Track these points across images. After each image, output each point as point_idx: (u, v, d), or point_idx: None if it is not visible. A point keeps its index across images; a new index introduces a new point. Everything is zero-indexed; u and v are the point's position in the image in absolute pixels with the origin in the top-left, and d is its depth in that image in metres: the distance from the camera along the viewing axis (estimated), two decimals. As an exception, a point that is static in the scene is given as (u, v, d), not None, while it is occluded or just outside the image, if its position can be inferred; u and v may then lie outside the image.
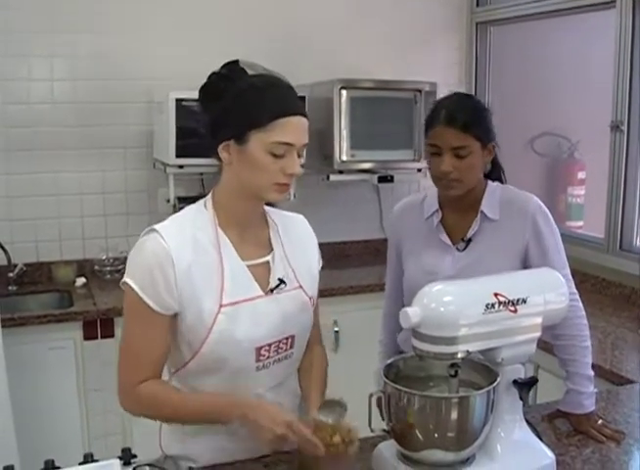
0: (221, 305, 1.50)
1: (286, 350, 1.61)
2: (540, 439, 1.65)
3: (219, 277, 1.52)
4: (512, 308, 1.47)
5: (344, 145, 3.50)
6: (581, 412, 1.81)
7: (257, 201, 1.59)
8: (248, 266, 1.57)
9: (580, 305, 1.86)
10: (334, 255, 3.96)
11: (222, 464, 1.62)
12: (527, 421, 1.60)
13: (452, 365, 1.49)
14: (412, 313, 1.41)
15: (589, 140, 4.00)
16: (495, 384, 1.46)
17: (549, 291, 1.55)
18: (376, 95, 3.57)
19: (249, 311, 1.53)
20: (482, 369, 1.54)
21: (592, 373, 1.84)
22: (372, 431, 1.52)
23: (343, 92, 3.50)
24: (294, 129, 1.50)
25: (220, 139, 1.53)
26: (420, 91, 3.64)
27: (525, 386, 1.53)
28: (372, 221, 4.18)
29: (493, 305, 1.44)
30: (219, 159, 1.55)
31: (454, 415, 1.43)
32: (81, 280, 3.47)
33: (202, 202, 1.61)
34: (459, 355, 1.44)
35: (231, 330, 1.51)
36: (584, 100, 3.93)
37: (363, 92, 3.53)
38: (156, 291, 1.48)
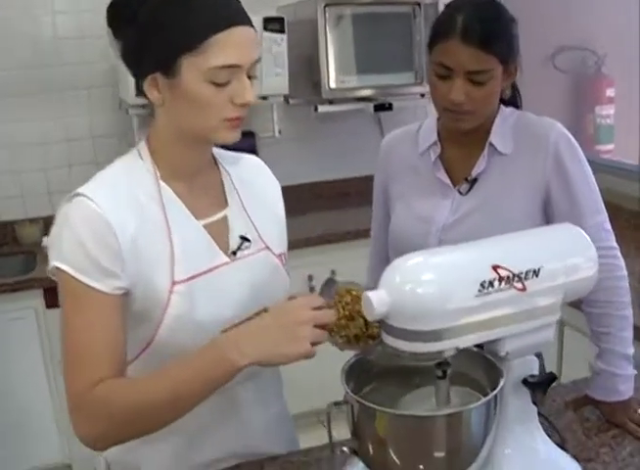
0: (174, 283, 1.18)
1: None
2: (563, 443, 1.27)
3: (167, 245, 1.19)
4: (519, 285, 1.07)
5: (332, 71, 3.06)
6: (616, 400, 1.43)
7: (204, 145, 1.27)
8: (204, 226, 1.25)
9: (621, 262, 1.46)
10: (331, 194, 3.59)
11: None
12: (544, 416, 1.22)
13: (439, 364, 1.10)
14: (377, 301, 1.01)
15: (617, 53, 3.70)
16: (497, 390, 1.07)
17: (570, 256, 1.14)
18: (366, 11, 3.14)
19: (209, 286, 1.21)
20: (482, 361, 1.15)
21: (632, 351, 1.45)
22: (332, 452, 1.15)
23: (328, 10, 3.05)
24: (236, 45, 1.14)
25: (143, 73, 1.18)
26: (419, 4, 3.20)
27: (540, 386, 1.14)
28: (373, 155, 3.76)
29: (492, 283, 1.04)
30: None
31: (441, 436, 1.05)
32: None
33: (134, 151, 1.26)
34: (445, 355, 1.05)
35: (189, 312, 1.19)
36: (611, 7, 3.61)
37: (352, 9, 3.11)
38: (96, 267, 1.14)
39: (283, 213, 1.40)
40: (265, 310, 1.14)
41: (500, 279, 1.05)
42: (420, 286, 1.01)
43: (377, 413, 1.06)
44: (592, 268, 1.15)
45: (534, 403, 1.15)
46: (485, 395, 1.14)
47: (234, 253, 1.26)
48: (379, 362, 1.18)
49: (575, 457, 1.24)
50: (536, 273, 1.08)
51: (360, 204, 3.54)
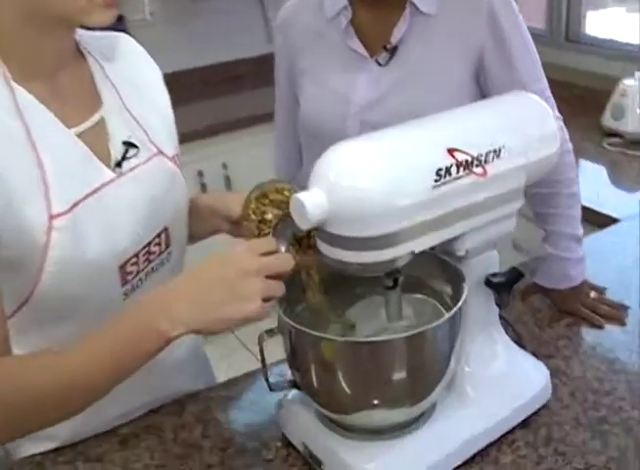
0: (52, 216, 0.91)
1: (160, 252, 1.07)
2: (520, 340, 1.16)
3: (35, 167, 0.91)
4: (479, 170, 0.90)
5: None
6: (568, 286, 1.32)
7: (66, 29, 0.98)
8: (77, 136, 0.97)
9: (566, 134, 1.32)
10: (218, 80, 3.31)
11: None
12: (501, 317, 1.09)
13: (389, 273, 0.93)
14: (311, 204, 0.82)
15: None
16: (463, 298, 0.91)
17: (532, 129, 0.98)
18: None
19: (96, 212, 0.96)
20: (435, 263, 1.00)
21: (581, 231, 1.33)
22: (271, 389, 0.99)
23: None
24: None
25: None
26: None
27: (505, 286, 0.99)
28: (259, 33, 3.49)
29: (449, 170, 0.87)
30: None
31: (401, 361, 0.90)
32: None
33: None
34: (398, 263, 0.87)
35: (76, 251, 0.93)
36: None
37: None
38: None
39: (169, 105, 1.16)
40: None
41: (458, 165, 0.88)
42: (364, 180, 0.82)
43: (322, 342, 0.89)
44: (555, 142, 1.00)
45: (498, 306, 1.02)
46: (442, 301, 1.01)
47: (118, 164, 1.01)
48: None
49: (535, 354, 1.13)
50: (497, 154, 0.92)
51: (252, 87, 3.33)
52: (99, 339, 0.83)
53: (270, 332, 0.93)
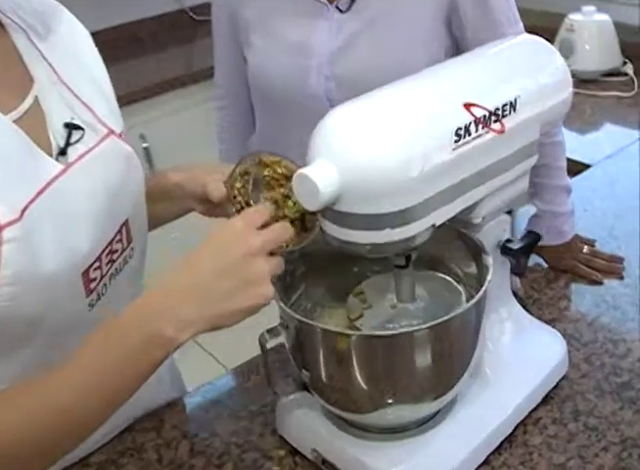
0: (0, 228, 0.75)
1: (122, 250, 0.93)
2: (525, 306, 1.08)
3: None
4: (497, 126, 0.81)
5: None
6: (562, 242, 1.25)
7: None
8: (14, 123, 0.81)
9: None
10: (118, 44, 3.09)
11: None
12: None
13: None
14: (322, 181, 0.70)
15: None
16: (490, 274, 0.82)
17: (543, 75, 0.89)
18: None
19: (49, 213, 0.80)
20: (447, 233, 0.89)
21: (569, 181, 1.26)
22: (275, 393, 0.88)
23: None
24: None
25: None
26: None
27: (524, 251, 0.91)
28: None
29: (468, 129, 0.77)
30: None
31: (422, 352, 0.81)
32: None
33: None
34: (417, 241, 0.77)
35: (32, 264, 0.77)
36: None
37: None
38: None
39: (108, 80, 1.00)
40: None
41: (477, 122, 0.78)
42: (380, 147, 0.71)
43: (337, 337, 0.79)
44: (568, 84, 0.91)
45: (516, 274, 0.93)
46: (455, 275, 0.92)
47: (62, 152, 0.85)
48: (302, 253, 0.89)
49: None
50: (513, 106, 0.82)
51: (159, 49, 3.13)
52: (90, 367, 0.70)
53: (273, 331, 0.81)
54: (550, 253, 1.26)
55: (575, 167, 1.64)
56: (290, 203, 0.79)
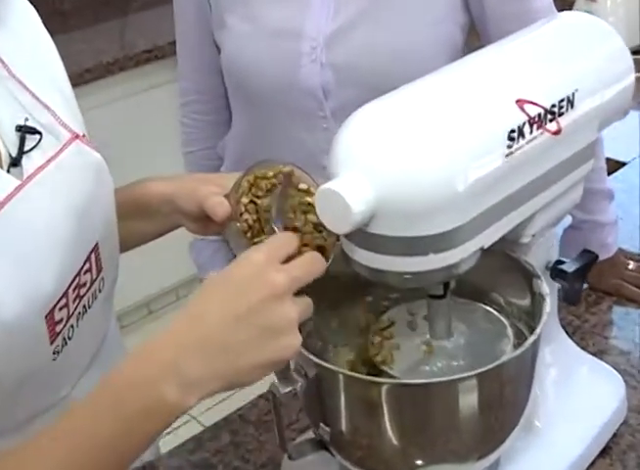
0: None
1: (92, 281, 0.91)
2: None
3: None
4: (552, 127, 0.81)
5: None
6: (605, 257, 1.28)
7: None
8: None
9: None
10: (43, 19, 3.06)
11: None
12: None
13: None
14: (354, 199, 0.70)
15: None
16: (548, 308, 0.83)
17: (601, 57, 0.90)
18: None
19: (3, 244, 0.78)
20: (490, 255, 0.88)
21: (611, 186, 1.29)
22: (290, 457, 0.87)
23: None
24: None
25: None
26: None
27: (579, 275, 0.92)
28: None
29: (522, 131, 0.77)
30: None
31: (468, 403, 0.80)
32: None
33: None
34: (461, 268, 0.77)
35: None
36: None
37: None
38: None
39: (64, 70, 0.99)
40: None
41: (531, 122, 0.78)
42: (424, 157, 0.71)
43: (368, 385, 0.79)
44: (629, 71, 0.92)
45: (571, 303, 0.94)
46: (499, 306, 0.92)
47: (15, 163, 0.83)
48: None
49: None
50: (571, 101, 0.83)
51: (82, 25, 3.13)
52: (78, 443, 0.68)
53: (286, 380, 0.80)
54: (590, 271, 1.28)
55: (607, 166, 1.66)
56: (309, 225, 0.79)
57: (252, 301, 0.70)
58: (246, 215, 0.82)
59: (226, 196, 0.85)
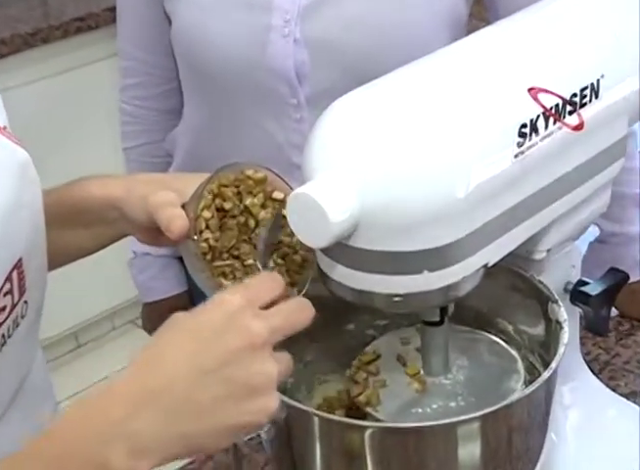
0: None
1: (12, 306, 0.94)
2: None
3: None
4: (573, 120, 0.86)
5: None
6: (636, 279, 1.32)
7: None
8: None
9: None
10: None
11: None
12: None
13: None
14: (333, 208, 0.74)
15: None
16: (564, 347, 0.87)
17: (629, 38, 0.94)
18: None
19: None
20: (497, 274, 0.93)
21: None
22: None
23: None
24: None
25: None
26: None
27: (606, 298, 0.97)
28: None
29: (535, 126, 0.82)
30: None
31: (467, 454, 0.85)
32: None
33: None
34: (462, 289, 0.82)
35: None
36: None
37: None
38: None
39: None
40: None
41: (546, 114, 0.83)
42: (419, 156, 0.75)
43: (349, 429, 0.83)
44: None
45: (597, 333, 0.98)
46: (506, 335, 0.97)
47: None
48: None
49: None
50: (595, 90, 0.88)
51: None
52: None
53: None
54: (620, 294, 1.32)
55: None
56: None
57: (225, 351, 0.72)
58: (207, 234, 0.85)
59: (184, 206, 0.88)
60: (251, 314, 0.74)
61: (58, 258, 1.01)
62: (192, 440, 0.72)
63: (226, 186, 0.86)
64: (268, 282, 0.79)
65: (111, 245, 1.06)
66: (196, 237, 0.85)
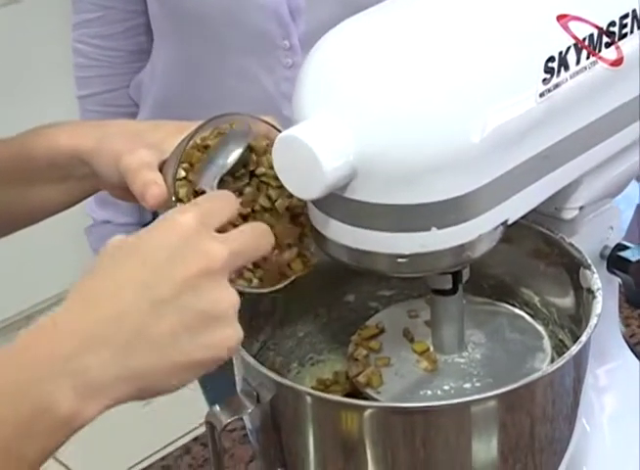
0: None
1: None
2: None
3: None
4: (610, 54, 0.89)
5: None
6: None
7: None
8: None
9: None
10: None
11: None
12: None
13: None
14: (326, 152, 0.77)
15: None
16: (597, 319, 0.90)
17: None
18: None
19: None
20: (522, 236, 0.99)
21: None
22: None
23: None
24: None
25: None
26: None
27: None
28: None
29: (564, 60, 0.85)
30: None
31: (484, 440, 0.88)
32: None
33: None
34: (477, 250, 0.85)
35: None
36: None
37: None
38: None
39: None
40: None
41: (579, 46, 0.85)
42: (427, 94, 0.78)
43: (346, 410, 0.86)
44: None
45: (637, 304, 1.01)
46: (532, 307, 0.99)
47: None
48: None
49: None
50: (638, 20, 0.90)
51: None
52: None
53: (231, 405, 0.87)
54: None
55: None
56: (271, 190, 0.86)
57: (181, 278, 0.75)
58: (184, 198, 0.87)
59: (163, 167, 0.90)
60: (207, 236, 0.76)
61: (15, 221, 1.04)
62: (145, 377, 0.75)
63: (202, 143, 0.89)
64: (220, 201, 0.82)
65: (82, 201, 1.09)
66: (177, 204, 0.87)
